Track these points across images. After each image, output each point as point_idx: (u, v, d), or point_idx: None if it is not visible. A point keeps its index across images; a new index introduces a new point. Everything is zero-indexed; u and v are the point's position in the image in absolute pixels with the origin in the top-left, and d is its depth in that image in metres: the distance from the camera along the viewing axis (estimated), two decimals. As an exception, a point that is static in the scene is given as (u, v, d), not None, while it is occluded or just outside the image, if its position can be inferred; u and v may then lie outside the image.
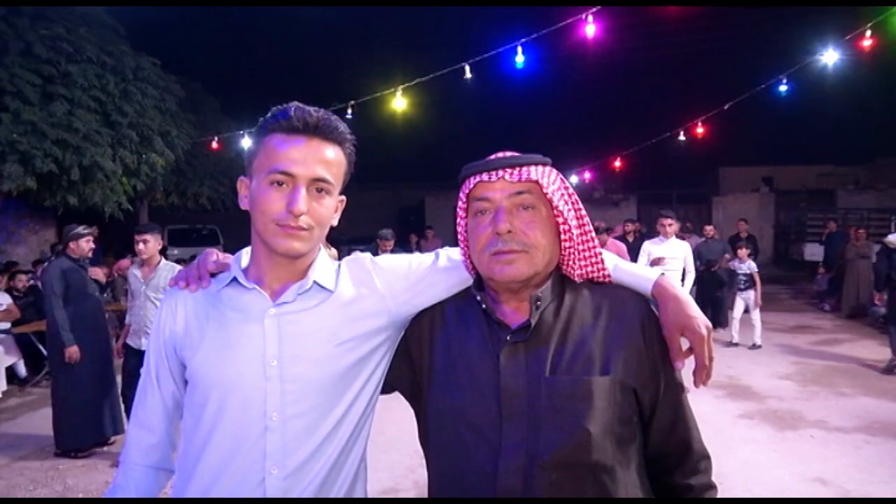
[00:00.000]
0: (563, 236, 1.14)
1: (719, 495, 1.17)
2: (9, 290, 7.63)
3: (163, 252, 4.97)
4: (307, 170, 1.09)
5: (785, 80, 8.81)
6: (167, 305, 1.22)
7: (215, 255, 1.29)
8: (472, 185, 1.13)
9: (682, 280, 6.55)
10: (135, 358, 4.48)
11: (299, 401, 1.12)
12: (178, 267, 4.37)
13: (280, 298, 1.15)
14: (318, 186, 1.11)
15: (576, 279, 1.16)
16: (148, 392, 1.22)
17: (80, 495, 4.09)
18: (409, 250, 9.42)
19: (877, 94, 19.08)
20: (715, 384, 5.92)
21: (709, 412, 5.21)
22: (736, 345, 8.04)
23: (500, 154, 1.14)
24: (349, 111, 8.46)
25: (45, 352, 6.50)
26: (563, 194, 1.14)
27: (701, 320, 1.11)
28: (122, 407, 4.78)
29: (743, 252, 8.30)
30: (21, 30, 8.17)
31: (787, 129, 24.83)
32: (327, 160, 1.12)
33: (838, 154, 23.19)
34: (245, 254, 1.24)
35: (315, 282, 1.17)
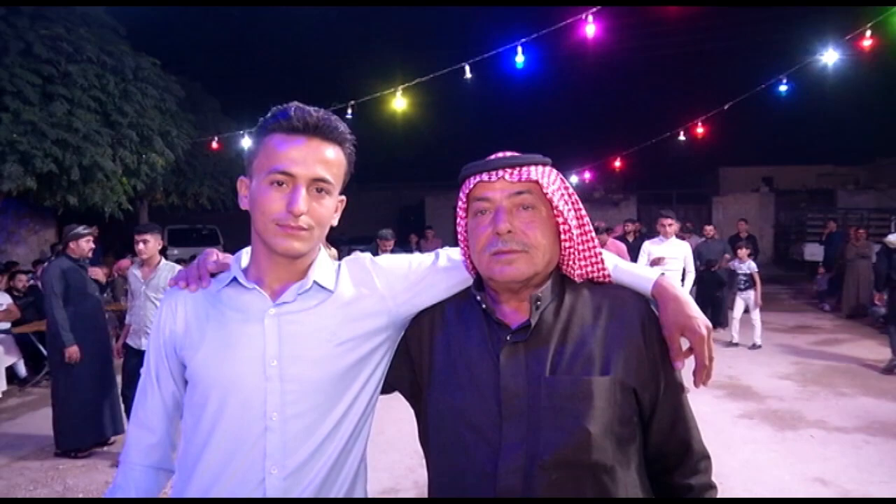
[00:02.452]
0: (563, 236, 1.14)
1: (719, 495, 1.17)
2: (9, 290, 7.63)
3: (163, 252, 4.97)
4: (307, 170, 1.09)
5: (785, 80, 8.81)
6: (167, 305, 1.22)
7: (215, 255, 1.29)
8: (471, 185, 1.13)
9: (682, 280, 6.55)
10: (135, 358, 4.48)
11: (299, 401, 1.12)
12: (178, 267, 4.37)
13: (280, 298, 1.15)
14: (318, 186, 1.11)
15: (576, 279, 1.16)
16: (148, 392, 1.22)
17: (80, 495, 4.09)
18: (409, 250, 9.41)
19: (877, 94, 19.06)
20: (715, 384, 5.92)
21: (709, 412, 5.21)
22: (736, 345, 8.04)
23: (500, 154, 1.14)
24: (349, 111, 8.46)
25: (45, 352, 6.50)
26: (563, 194, 1.14)
27: (701, 320, 1.11)
28: (122, 407, 4.78)
29: (743, 252, 8.31)
30: (21, 30, 8.16)
31: (787, 129, 24.82)
32: (327, 160, 1.12)
33: (838, 154, 23.21)
34: (245, 254, 1.24)
35: (315, 282, 1.17)
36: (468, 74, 7.58)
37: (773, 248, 19.36)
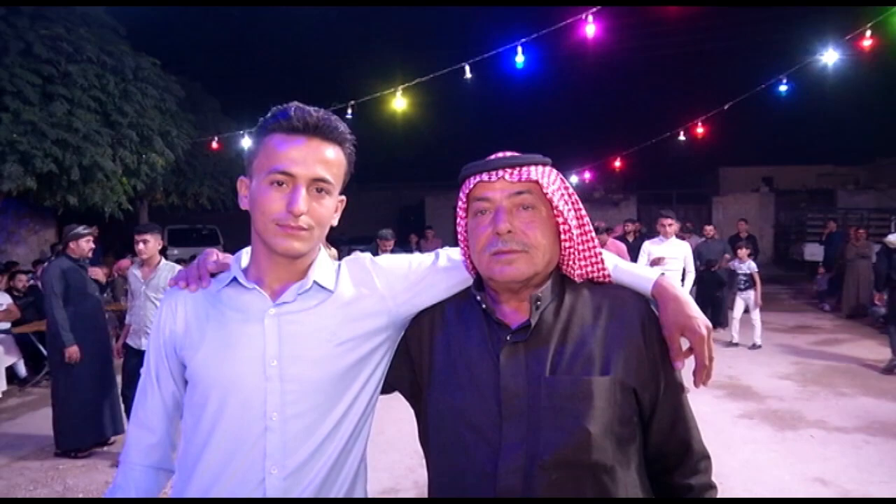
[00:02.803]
0: (563, 236, 1.14)
1: (719, 495, 1.17)
2: (9, 290, 7.63)
3: (163, 252, 4.97)
4: (307, 170, 1.09)
5: (785, 80, 8.81)
6: (167, 305, 1.22)
7: (215, 255, 1.29)
8: (471, 185, 1.13)
9: (682, 280, 6.55)
10: (135, 358, 4.48)
11: (299, 401, 1.12)
12: (178, 267, 4.37)
13: (280, 298, 1.15)
14: (318, 186, 1.11)
15: (576, 279, 1.16)
16: (148, 392, 1.22)
17: (80, 495, 4.09)
18: (409, 250, 9.41)
19: (877, 94, 19.06)
20: (715, 384, 5.92)
21: (709, 412, 5.21)
22: (736, 345, 8.04)
23: (500, 154, 1.14)
24: (349, 111, 8.46)
25: (45, 352, 6.50)
26: (563, 194, 1.14)
27: (701, 320, 1.11)
28: (122, 407, 4.78)
29: (743, 252, 8.31)
30: (21, 30, 8.16)
31: (787, 129, 24.82)
32: (327, 160, 1.12)
33: (838, 154, 23.21)
34: (245, 254, 1.24)
35: (315, 282, 1.17)
36: (468, 74, 7.58)
37: (773, 248, 19.36)
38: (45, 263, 6.86)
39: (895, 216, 14.53)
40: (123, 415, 4.81)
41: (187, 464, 1.15)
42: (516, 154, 1.14)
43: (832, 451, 4.49)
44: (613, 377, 1.06)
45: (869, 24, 7.13)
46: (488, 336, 1.12)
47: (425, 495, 1.26)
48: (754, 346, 7.88)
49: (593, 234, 1.18)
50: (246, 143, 10.10)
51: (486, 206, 1.11)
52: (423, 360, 1.21)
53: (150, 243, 4.56)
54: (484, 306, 1.13)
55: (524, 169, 1.11)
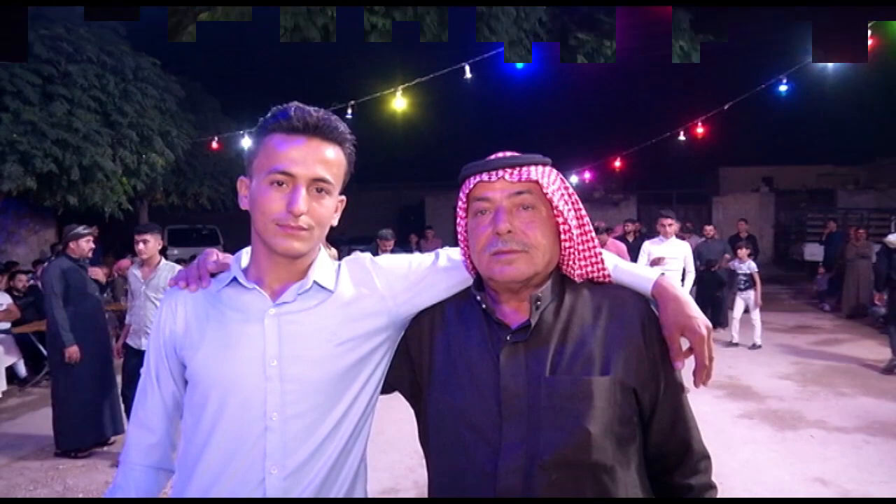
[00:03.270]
0: (563, 236, 1.14)
1: (719, 495, 1.17)
2: (9, 290, 7.63)
3: (163, 252, 4.97)
4: (307, 170, 1.10)
5: (785, 80, 8.82)
6: (167, 305, 1.22)
7: (215, 255, 1.29)
8: (471, 185, 1.13)
9: (682, 280, 6.55)
10: (135, 358, 4.48)
11: (299, 401, 1.12)
12: (178, 267, 4.37)
13: (280, 298, 1.15)
14: (318, 186, 1.11)
15: (576, 279, 1.16)
16: (148, 392, 1.22)
17: (80, 495, 4.09)
18: (409, 250, 9.41)
19: (877, 94, 19.02)
20: (715, 384, 5.92)
21: (709, 412, 5.21)
22: (736, 345, 8.04)
23: (500, 154, 1.14)
24: (349, 111, 8.47)
25: (45, 352, 6.50)
26: (563, 194, 1.14)
27: (701, 320, 1.11)
28: (122, 407, 4.78)
29: (743, 252, 8.31)
30: (21, 30, 8.16)
31: (787, 129, 24.76)
32: (327, 160, 1.12)
33: (838, 154, 23.19)
34: (245, 254, 1.24)
35: (315, 282, 1.17)
36: (468, 74, 7.59)
37: (773, 248, 19.36)
38: (45, 263, 6.86)
39: (895, 216, 14.52)
40: (123, 415, 4.81)
41: (187, 464, 1.15)
42: (516, 154, 1.14)
43: (832, 451, 4.49)
44: (613, 377, 1.06)
45: (869, 24, 7.13)
46: (488, 336, 1.12)
47: (425, 495, 1.26)
48: (754, 346, 7.88)
49: (593, 234, 1.18)
50: (246, 143, 10.11)
51: (486, 206, 1.11)
52: (423, 360, 1.20)
53: (150, 243, 4.56)
54: (484, 306, 1.13)
55: (524, 169, 1.11)
